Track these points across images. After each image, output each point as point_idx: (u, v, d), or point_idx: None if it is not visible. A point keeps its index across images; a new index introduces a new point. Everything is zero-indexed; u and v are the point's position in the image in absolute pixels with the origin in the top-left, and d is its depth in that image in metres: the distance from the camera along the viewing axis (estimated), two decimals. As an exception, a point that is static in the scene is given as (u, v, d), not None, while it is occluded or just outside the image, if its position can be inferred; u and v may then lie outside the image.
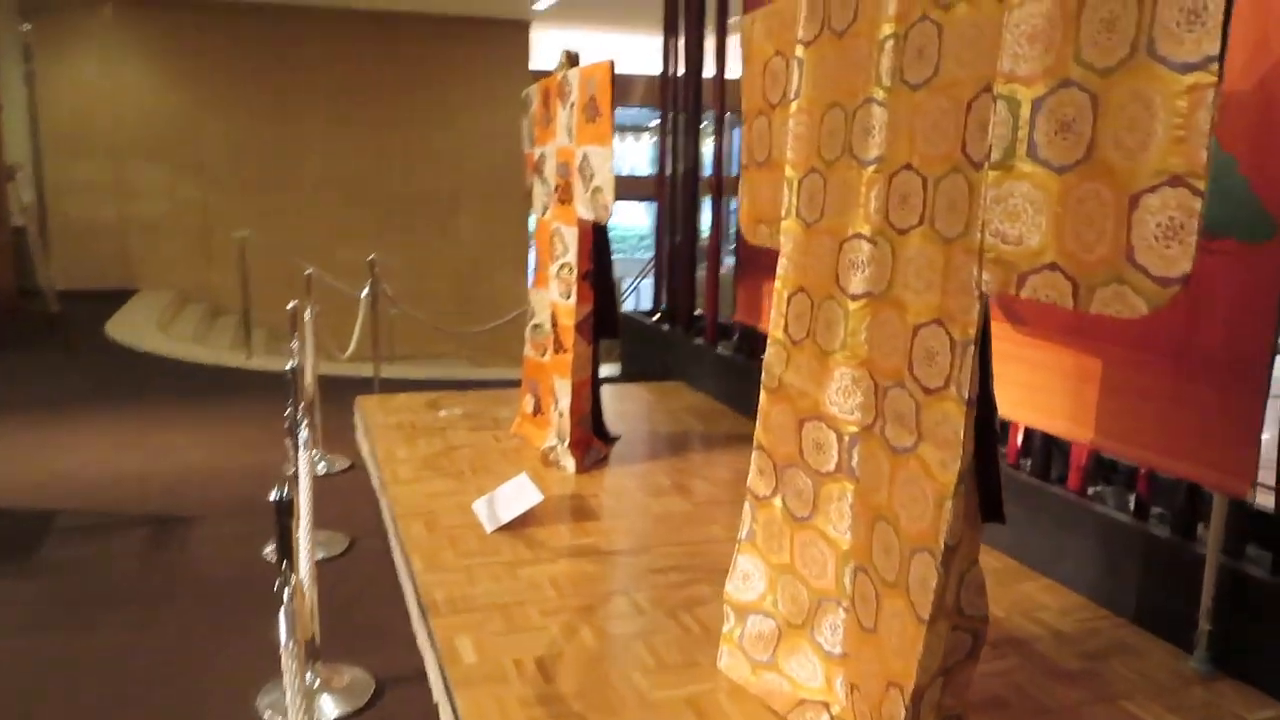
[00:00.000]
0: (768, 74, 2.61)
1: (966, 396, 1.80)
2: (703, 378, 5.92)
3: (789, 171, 2.44)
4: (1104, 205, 1.51)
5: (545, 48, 12.16)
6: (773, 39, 2.59)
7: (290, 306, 3.59)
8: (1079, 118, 1.56)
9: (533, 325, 4.69)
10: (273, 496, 1.67)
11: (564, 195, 4.28)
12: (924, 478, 1.91)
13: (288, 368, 2.70)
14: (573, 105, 4.12)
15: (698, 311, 6.41)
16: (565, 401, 4.28)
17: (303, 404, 2.67)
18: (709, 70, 6.10)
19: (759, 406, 2.56)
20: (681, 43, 6.35)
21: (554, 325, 4.38)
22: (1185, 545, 2.89)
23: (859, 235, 2.15)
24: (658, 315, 6.84)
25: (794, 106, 2.41)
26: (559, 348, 4.34)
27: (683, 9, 6.28)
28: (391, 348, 7.38)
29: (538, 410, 4.69)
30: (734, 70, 5.63)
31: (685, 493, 4.05)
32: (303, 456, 2.52)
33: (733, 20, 5.67)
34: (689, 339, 6.27)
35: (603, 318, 4.37)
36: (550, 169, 4.43)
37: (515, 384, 6.43)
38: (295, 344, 3.39)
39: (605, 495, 4.01)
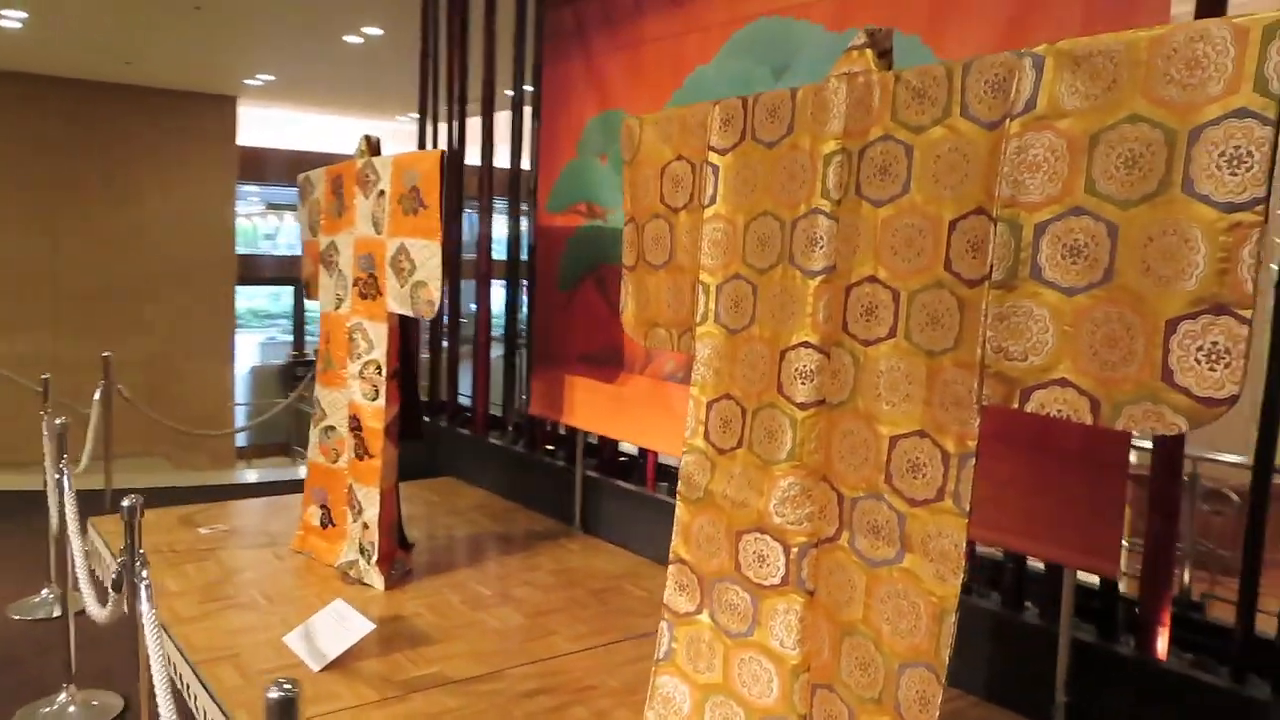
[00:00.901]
0: (667, 177, 2.57)
1: (967, 509, 1.82)
2: (478, 472, 5.66)
3: (705, 277, 2.40)
4: (1130, 328, 1.60)
5: (251, 125, 11.41)
6: (671, 143, 2.56)
7: (59, 423, 2.97)
8: (1091, 244, 1.65)
9: (323, 428, 4.24)
10: (273, 693, 1.28)
11: (367, 289, 3.96)
12: (915, 591, 1.90)
13: (126, 505, 2.19)
14: (382, 194, 3.84)
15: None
16: (372, 512, 3.89)
17: (140, 550, 2.18)
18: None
19: (676, 519, 2.45)
20: (442, 127, 6.18)
21: (356, 428, 3.99)
22: (1018, 618, 3.11)
23: (806, 344, 2.14)
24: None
25: (710, 212, 2.38)
26: (364, 453, 3.95)
27: (443, 93, 6.13)
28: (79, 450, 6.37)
29: (328, 522, 4.23)
30: (500, 156, 5.57)
31: (513, 602, 3.80)
32: (148, 615, 2.05)
33: (504, 95, 5.62)
34: (455, 431, 6.00)
35: (406, 418, 4.06)
36: (346, 260, 4.08)
37: (250, 489, 5.80)
38: (63, 468, 2.81)
39: (430, 614, 3.66)
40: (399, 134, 14.29)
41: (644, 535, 4.42)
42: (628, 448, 4.87)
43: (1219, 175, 1.48)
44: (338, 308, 4.15)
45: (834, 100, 2.09)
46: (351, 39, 8.17)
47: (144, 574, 2.13)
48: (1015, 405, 1.78)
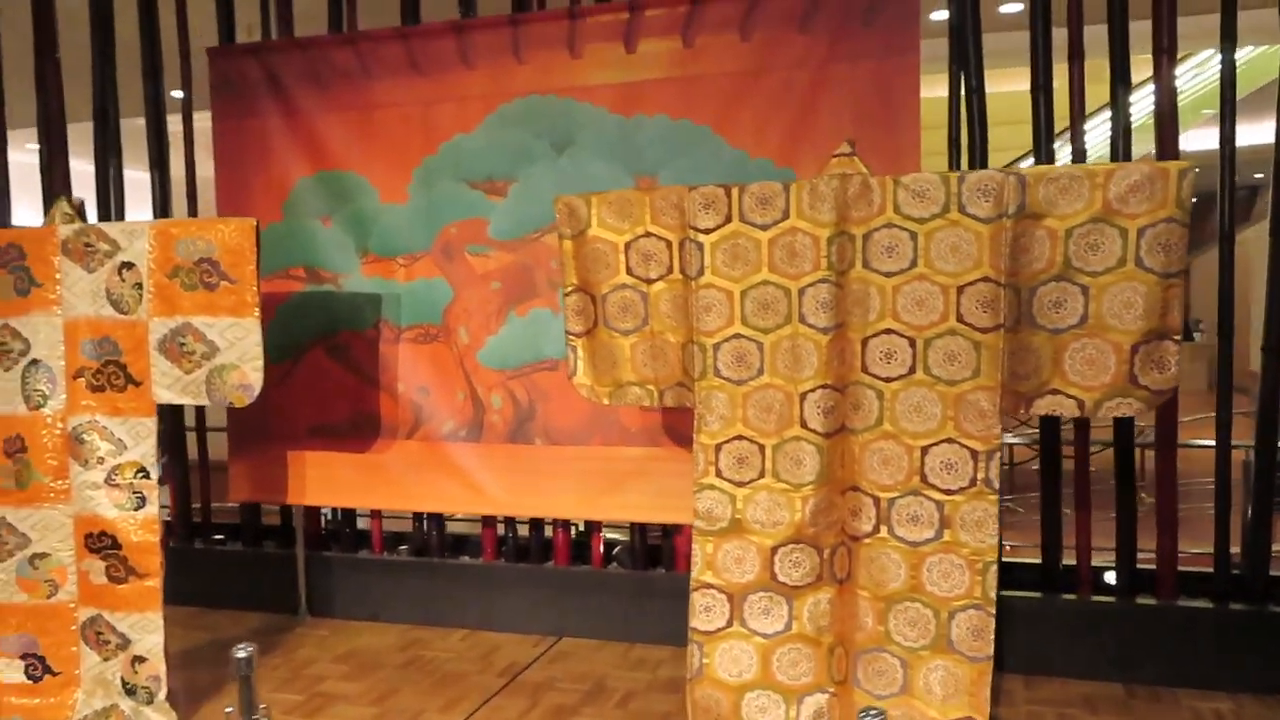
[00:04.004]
0: (634, 252, 2.89)
1: (997, 487, 2.58)
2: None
3: (702, 338, 2.80)
4: (1103, 353, 2.52)
5: None
6: (633, 220, 2.88)
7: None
8: (1067, 299, 2.54)
9: (30, 556, 3.40)
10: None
11: (105, 379, 3.33)
12: (957, 556, 2.61)
13: (241, 656, 1.81)
14: (128, 267, 3.29)
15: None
16: (154, 640, 3.30)
17: (262, 705, 1.85)
18: None
19: (699, 554, 2.80)
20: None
21: (108, 548, 3.32)
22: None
23: (824, 385, 2.71)
24: None
25: (702, 282, 2.79)
26: (129, 574, 3.32)
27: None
28: None
29: (43, 673, 3.42)
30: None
31: (339, 700, 3.55)
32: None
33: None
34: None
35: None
36: (45, 347, 3.35)
37: None
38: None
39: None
40: None
41: (389, 603, 4.35)
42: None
43: (1159, 255, 2.47)
44: (39, 407, 3.39)
45: (828, 193, 2.68)
46: None
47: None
48: (1024, 411, 2.60)
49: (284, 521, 4.74)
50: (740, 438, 2.79)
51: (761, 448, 2.77)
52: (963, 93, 3.63)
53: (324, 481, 4.22)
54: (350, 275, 4.14)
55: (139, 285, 3.29)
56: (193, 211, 4.62)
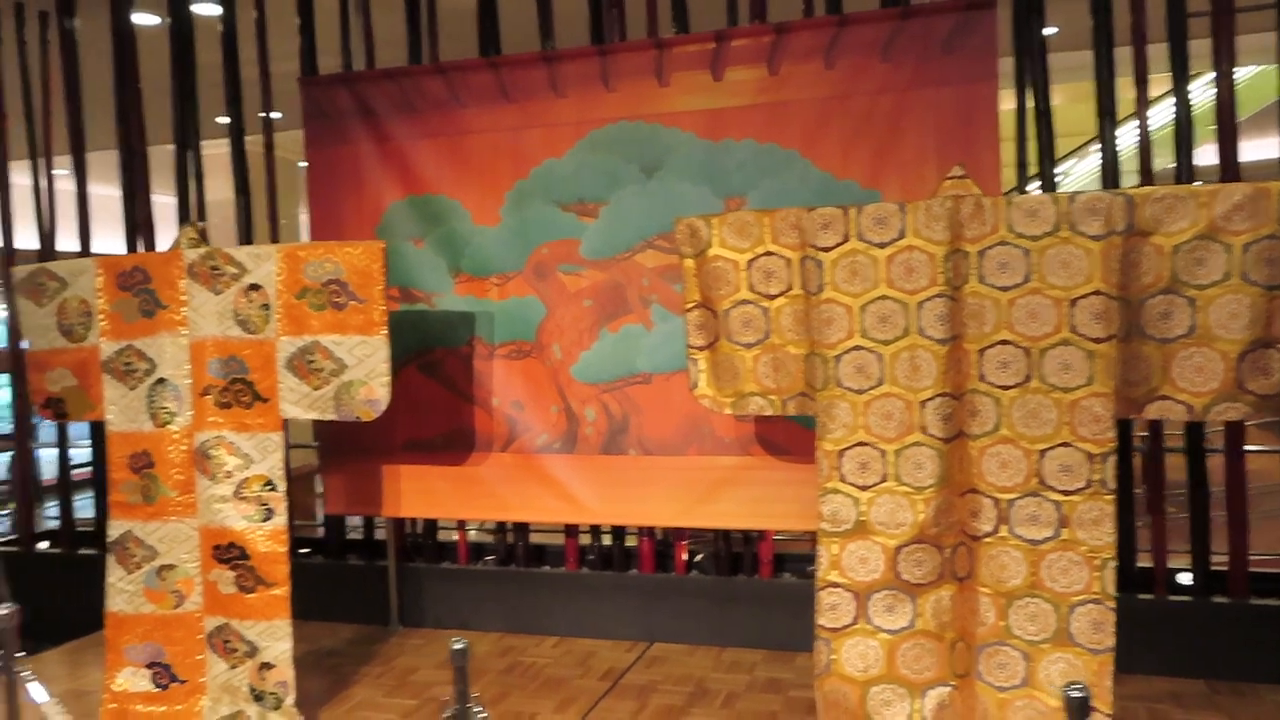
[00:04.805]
0: (756, 270, 3.05)
1: (1113, 488, 2.75)
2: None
3: (823, 350, 2.96)
4: (1211, 361, 2.69)
5: None
6: (753, 240, 3.05)
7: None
8: (1175, 311, 2.72)
9: (158, 568, 3.54)
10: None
11: (231, 397, 3.48)
12: (1075, 554, 2.77)
13: (456, 648, 1.95)
14: (255, 289, 3.44)
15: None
16: (283, 647, 3.43)
17: (474, 694, 1.99)
18: None
19: (824, 555, 2.95)
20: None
21: (236, 558, 3.46)
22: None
23: (943, 394, 2.87)
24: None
25: (822, 297, 2.96)
26: (257, 583, 3.45)
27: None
28: None
29: (170, 681, 3.54)
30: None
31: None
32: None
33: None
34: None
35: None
36: (172, 365, 3.50)
37: None
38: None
39: (392, 739, 3.40)
40: None
41: (478, 612, 4.48)
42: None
43: (1263, 269, 2.65)
44: (166, 424, 3.53)
45: (942, 214, 2.86)
46: None
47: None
48: (1136, 415, 2.77)
49: (366, 535, 4.87)
50: (862, 444, 2.95)
51: (883, 453, 2.93)
52: (1031, 113, 3.82)
53: (419, 494, 4.36)
54: (443, 295, 4.30)
55: (266, 306, 3.44)
56: (274, 237, 4.79)
